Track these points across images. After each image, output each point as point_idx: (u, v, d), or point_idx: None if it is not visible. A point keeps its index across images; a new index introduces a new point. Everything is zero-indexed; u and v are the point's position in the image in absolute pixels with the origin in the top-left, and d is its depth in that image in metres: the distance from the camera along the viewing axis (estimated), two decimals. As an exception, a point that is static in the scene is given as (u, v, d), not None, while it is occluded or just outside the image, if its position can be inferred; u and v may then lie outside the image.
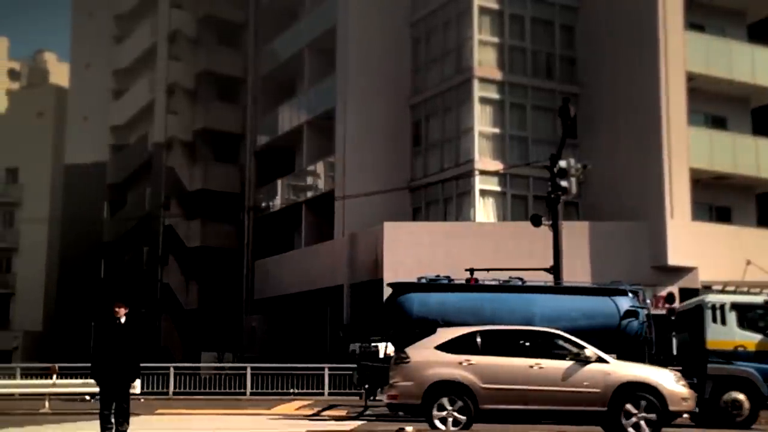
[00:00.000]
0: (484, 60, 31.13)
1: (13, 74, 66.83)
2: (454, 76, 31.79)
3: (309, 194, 36.78)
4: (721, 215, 31.02)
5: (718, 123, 31.30)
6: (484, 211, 30.38)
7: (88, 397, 24.66)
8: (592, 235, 28.15)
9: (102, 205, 49.70)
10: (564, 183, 20.37)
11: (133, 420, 17.66)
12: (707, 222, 29.82)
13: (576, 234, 26.68)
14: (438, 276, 17.29)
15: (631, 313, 15.89)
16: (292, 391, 26.96)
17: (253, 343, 37.44)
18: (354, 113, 33.27)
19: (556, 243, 22.71)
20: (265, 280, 38.66)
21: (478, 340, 13.14)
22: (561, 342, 13.31)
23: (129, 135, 49.33)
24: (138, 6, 48.81)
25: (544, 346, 13.28)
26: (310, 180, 37.01)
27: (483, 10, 31.18)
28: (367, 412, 21.40)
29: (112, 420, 10.38)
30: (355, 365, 27.39)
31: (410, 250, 28.78)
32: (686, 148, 28.68)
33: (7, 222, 57.36)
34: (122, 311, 10.48)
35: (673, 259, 27.84)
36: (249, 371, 27.10)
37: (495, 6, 31.45)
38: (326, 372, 27.04)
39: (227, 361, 35.14)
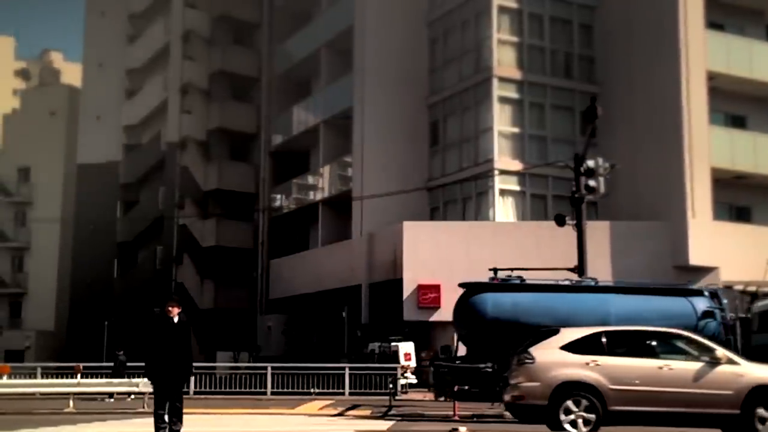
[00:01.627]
0: (503, 59, 31.09)
1: (24, 74, 66.76)
2: (472, 76, 31.75)
3: (325, 194, 36.75)
4: (741, 215, 30.96)
5: (738, 122, 31.23)
6: (504, 210, 30.34)
7: (108, 398, 24.73)
8: (612, 234, 28.11)
9: (115, 205, 49.65)
10: (592, 182, 20.30)
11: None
12: (728, 222, 29.73)
13: (597, 233, 26.61)
14: (510, 276, 17.21)
15: (708, 314, 15.76)
16: (312, 390, 26.91)
17: (269, 343, 37.42)
18: (371, 113, 33.25)
19: (580, 243, 22.62)
20: (280, 279, 38.65)
21: (604, 340, 12.90)
22: (689, 343, 13.09)
23: (142, 134, 49.33)
24: (151, 6, 48.82)
25: (671, 346, 13.06)
26: (326, 179, 36.97)
27: (502, 10, 31.17)
28: (392, 412, 21.41)
29: (166, 419, 10.32)
30: (373, 364, 27.54)
31: (430, 250, 28.79)
32: (707, 148, 28.62)
33: (19, 221, 57.29)
34: (175, 310, 10.44)
35: (695, 258, 27.78)
36: (270, 371, 27.06)
37: (514, 5, 31.42)
38: (347, 372, 27.01)
39: (243, 361, 35.11)
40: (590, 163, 20.28)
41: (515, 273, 24.54)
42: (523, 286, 16.92)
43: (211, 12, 44.42)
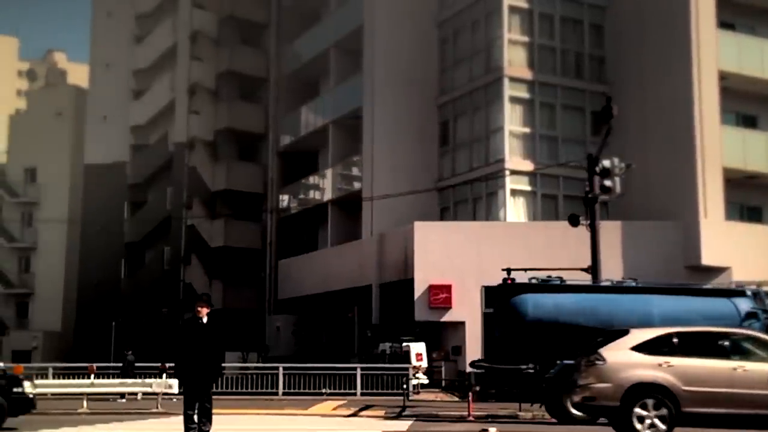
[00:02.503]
0: (514, 59, 31.06)
1: (31, 74, 66.80)
2: (483, 76, 31.71)
3: (334, 194, 36.71)
4: (752, 215, 30.89)
5: (750, 122, 31.18)
6: (515, 210, 30.30)
7: (120, 398, 24.69)
8: (624, 234, 28.04)
9: (122, 205, 49.63)
10: (608, 182, 20.27)
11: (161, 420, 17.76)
12: (740, 222, 29.68)
13: (608, 234, 26.48)
14: (549, 277, 17.14)
15: (752, 315, 15.70)
16: (324, 391, 26.88)
17: (278, 343, 37.38)
18: (381, 113, 33.23)
19: (594, 243, 22.59)
20: (289, 279, 38.61)
21: (675, 341, 12.80)
22: (759, 344, 12.99)
23: (149, 135, 49.30)
24: (158, 6, 48.81)
25: (744, 348, 12.96)
26: (335, 180, 36.94)
27: (513, 10, 31.14)
28: (406, 412, 21.37)
29: (195, 419, 10.27)
30: (385, 365, 27.51)
31: (441, 250, 28.75)
32: (719, 148, 28.57)
33: (25, 222, 57.34)
34: (204, 311, 10.39)
35: (707, 258, 27.73)
36: (281, 371, 27.03)
37: (524, 5, 31.39)
38: (358, 372, 27.00)
39: (251, 361, 35.07)
40: (606, 163, 20.24)
41: (528, 273, 24.62)
42: (562, 287, 16.87)
43: (219, 12, 44.40)
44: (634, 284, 16.99)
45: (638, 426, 12.20)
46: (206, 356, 10.22)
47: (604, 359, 12.69)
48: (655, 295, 16.50)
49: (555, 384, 16.27)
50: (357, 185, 34.79)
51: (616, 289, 16.71)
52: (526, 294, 16.47)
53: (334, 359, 30.16)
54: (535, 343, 16.70)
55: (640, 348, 12.72)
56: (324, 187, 38.11)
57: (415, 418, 19.99)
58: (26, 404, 15.64)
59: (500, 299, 17.21)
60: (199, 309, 10.36)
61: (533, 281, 16.98)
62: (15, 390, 15.30)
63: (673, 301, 16.24)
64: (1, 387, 15.31)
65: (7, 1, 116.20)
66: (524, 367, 16.93)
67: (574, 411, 14.87)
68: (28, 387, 15.67)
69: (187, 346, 10.26)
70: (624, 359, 12.58)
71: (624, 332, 13.10)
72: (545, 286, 16.73)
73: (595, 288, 17.12)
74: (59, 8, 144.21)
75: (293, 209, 40.45)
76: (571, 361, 14.15)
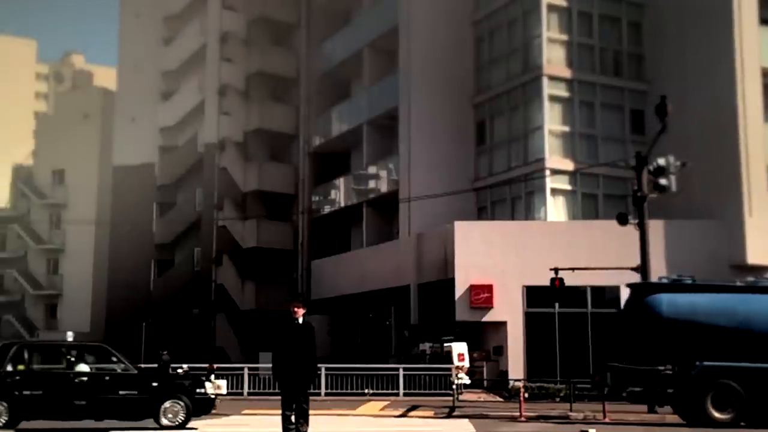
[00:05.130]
0: (553, 58, 30.90)
1: (57, 77, 67.11)
2: (521, 75, 31.58)
3: (370, 194, 36.62)
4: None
5: (791, 120, 30.80)
6: (555, 210, 30.14)
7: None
8: (667, 233, 27.79)
9: (151, 206, 49.72)
10: (663, 181, 20.12)
11: (223, 420, 17.70)
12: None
13: (651, 232, 26.23)
14: (680, 276, 16.93)
15: None
16: (366, 391, 26.85)
17: (312, 344, 37.28)
18: (417, 112, 33.14)
19: (643, 242, 22.52)
20: (322, 280, 38.54)
21: None
22: None
23: (178, 136, 49.35)
24: (187, 7, 48.86)
25: None
26: (370, 180, 36.85)
27: (551, 8, 30.97)
28: (455, 413, 21.28)
29: (293, 419, 10.19)
30: (427, 365, 27.43)
31: (481, 250, 28.63)
32: (763, 146, 28.30)
33: (54, 223, 57.57)
34: (300, 311, 10.31)
35: (752, 257, 27.50)
36: (324, 372, 26.98)
37: (563, 3, 31.22)
38: (401, 372, 26.96)
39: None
40: (661, 161, 20.09)
41: (575, 272, 24.49)
42: (695, 287, 16.63)
43: (249, 13, 44.40)
44: None
45: None
46: (302, 357, 10.13)
47: None
48: None
49: (695, 385, 16.13)
50: (393, 186, 34.67)
51: (753, 288, 16.40)
52: (660, 294, 16.23)
53: (371, 359, 30.10)
54: (670, 344, 16.57)
55: None
56: (358, 187, 38.03)
57: (468, 418, 19.94)
58: (208, 404, 16.00)
59: (634, 298, 16.95)
60: (295, 309, 10.27)
61: (663, 281, 16.74)
62: (198, 391, 15.67)
63: None
64: (186, 388, 15.67)
65: (25, 4, 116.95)
66: (662, 368, 16.74)
67: (716, 414, 14.70)
68: (209, 387, 15.96)
69: (284, 346, 10.17)
70: None
71: None
72: (677, 285, 16.49)
73: (729, 288, 16.87)
74: (77, 11, 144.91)
75: (325, 210, 40.37)
76: (714, 363, 13.77)
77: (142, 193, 49.66)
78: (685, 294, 16.20)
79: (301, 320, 10.33)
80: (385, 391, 26.83)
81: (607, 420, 19.07)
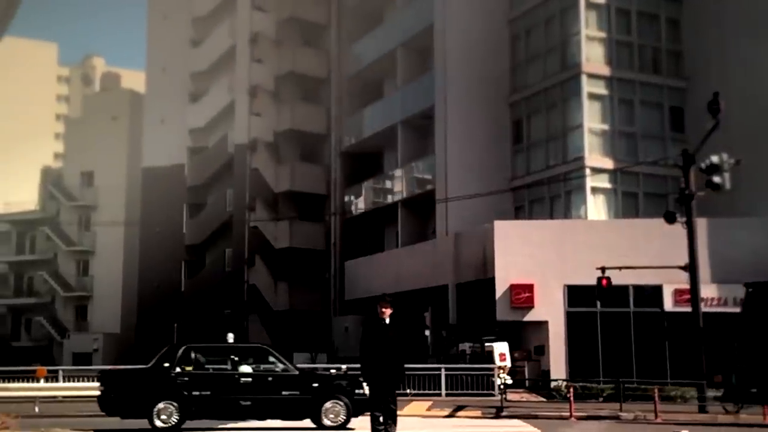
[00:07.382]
0: (591, 55, 30.72)
1: (85, 79, 67.47)
2: (558, 73, 31.40)
3: (404, 194, 36.51)
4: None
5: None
6: (595, 208, 29.94)
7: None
8: (710, 231, 27.51)
9: (181, 207, 49.82)
10: (716, 179, 19.89)
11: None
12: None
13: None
14: None
15: None
16: (408, 391, 26.71)
17: (347, 344, 37.26)
18: (453, 112, 33.02)
19: (691, 240, 22.26)
20: (355, 280, 38.46)
21: None
22: None
23: (207, 137, 49.43)
24: (215, 9, 48.92)
25: None
26: (405, 180, 36.74)
27: (589, 5, 30.79)
28: (504, 413, 21.15)
29: (382, 420, 10.11)
30: (468, 365, 27.29)
31: (521, 249, 28.43)
32: (807, 142, 28.00)
33: (83, 225, 57.84)
34: (387, 311, 10.25)
35: (798, 256, 27.12)
36: (364, 372, 26.87)
37: (601, 1, 31.02)
38: (443, 372, 26.81)
39: (321, 362, 35.01)
40: (714, 158, 19.88)
41: (623, 272, 24.26)
42: None
43: (279, 14, 44.41)
44: None
45: None
46: (390, 357, 10.05)
47: None
48: None
49: None
50: (428, 185, 34.56)
51: None
52: None
53: (408, 360, 29.89)
54: None
55: None
56: (392, 187, 37.93)
57: (517, 418, 19.82)
58: (365, 405, 15.85)
59: (756, 298, 16.73)
60: (383, 310, 10.21)
61: None
62: (357, 391, 15.77)
63: None
64: (345, 388, 15.84)
65: (46, 7, 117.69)
66: None
67: None
68: (366, 388, 16.03)
69: (372, 347, 10.10)
70: None
71: None
72: None
73: None
74: (97, 14, 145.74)
75: (358, 210, 40.30)
76: None
77: (172, 194, 49.79)
78: None
79: (388, 320, 10.25)
80: (426, 392, 26.69)
81: (659, 420, 18.91)
